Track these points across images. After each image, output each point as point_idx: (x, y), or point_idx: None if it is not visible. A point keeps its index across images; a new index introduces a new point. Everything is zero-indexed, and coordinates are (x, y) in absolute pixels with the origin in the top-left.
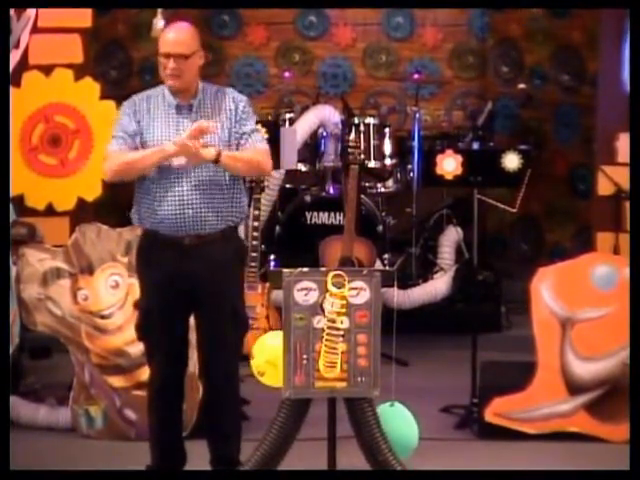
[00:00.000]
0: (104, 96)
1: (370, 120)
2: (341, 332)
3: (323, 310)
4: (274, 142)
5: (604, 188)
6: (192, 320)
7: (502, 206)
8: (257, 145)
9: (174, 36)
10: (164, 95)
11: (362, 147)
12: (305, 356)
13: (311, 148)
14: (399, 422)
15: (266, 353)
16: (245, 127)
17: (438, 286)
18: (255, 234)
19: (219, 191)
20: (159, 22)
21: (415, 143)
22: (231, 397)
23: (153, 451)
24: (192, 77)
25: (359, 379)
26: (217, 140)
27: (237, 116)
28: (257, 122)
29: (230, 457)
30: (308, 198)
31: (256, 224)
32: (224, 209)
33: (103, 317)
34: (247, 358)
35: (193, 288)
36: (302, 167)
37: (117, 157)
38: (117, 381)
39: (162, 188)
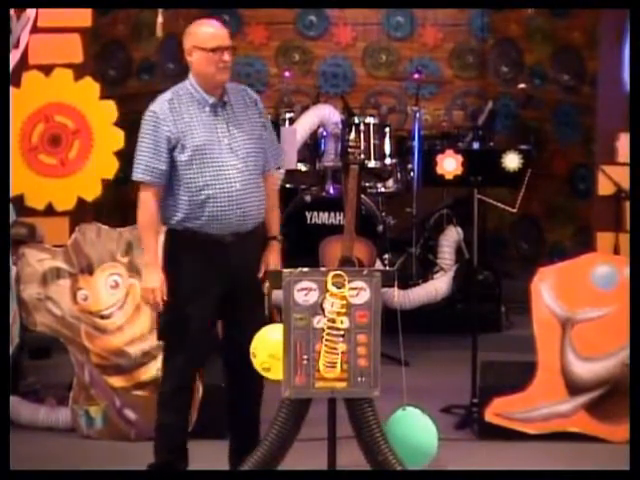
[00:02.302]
0: (104, 96)
1: (370, 120)
2: (341, 332)
3: (323, 310)
4: None
5: (604, 188)
6: None
7: (502, 206)
8: (276, 172)
9: (219, 30)
10: (192, 93)
11: (362, 147)
12: (305, 356)
13: (311, 148)
14: (415, 428)
15: (268, 348)
16: (272, 138)
17: (438, 286)
18: None
19: (257, 189)
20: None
21: (415, 143)
22: (259, 398)
23: (160, 450)
24: None
25: (359, 379)
26: (246, 137)
27: (263, 119)
28: None
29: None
30: (308, 198)
31: None
32: (261, 206)
33: (103, 317)
34: None
35: (232, 286)
36: (302, 167)
37: (143, 210)
38: (117, 381)
39: (212, 189)
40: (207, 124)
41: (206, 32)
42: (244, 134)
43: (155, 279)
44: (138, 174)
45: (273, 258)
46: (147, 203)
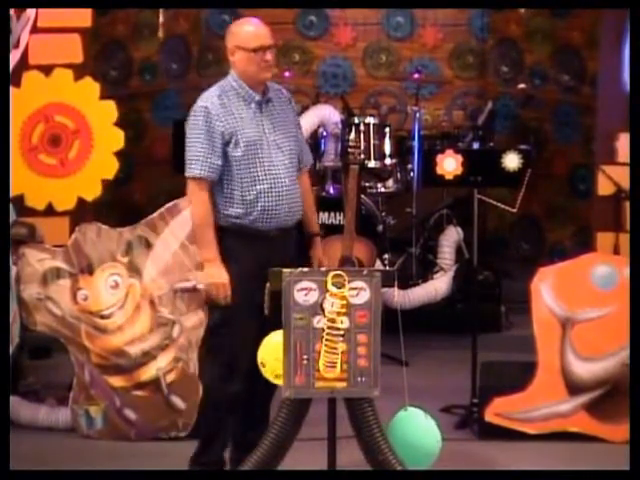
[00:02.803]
0: (104, 96)
1: (370, 120)
2: (341, 332)
3: (323, 310)
4: None
5: (604, 188)
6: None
7: (502, 206)
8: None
9: (261, 29)
10: (237, 90)
11: (362, 147)
12: (305, 356)
13: (311, 148)
14: (418, 428)
15: (277, 355)
16: (303, 136)
17: (438, 286)
18: None
19: (297, 185)
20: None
21: (415, 143)
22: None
23: (210, 448)
24: None
25: (359, 379)
26: (287, 134)
27: (297, 117)
28: None
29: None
30: None
31: None
32: (301, 202)
33: (103, 317)
34: None
35: None
36: None
37: (199, 206)
38: (117, 381)
39: (264, 184)
40: (254, 120)
41: (248, 32)
42: (285, 131)
43: (223, 274)
44: (195, 170)
45: (319, 254)
46: (202, 199)
